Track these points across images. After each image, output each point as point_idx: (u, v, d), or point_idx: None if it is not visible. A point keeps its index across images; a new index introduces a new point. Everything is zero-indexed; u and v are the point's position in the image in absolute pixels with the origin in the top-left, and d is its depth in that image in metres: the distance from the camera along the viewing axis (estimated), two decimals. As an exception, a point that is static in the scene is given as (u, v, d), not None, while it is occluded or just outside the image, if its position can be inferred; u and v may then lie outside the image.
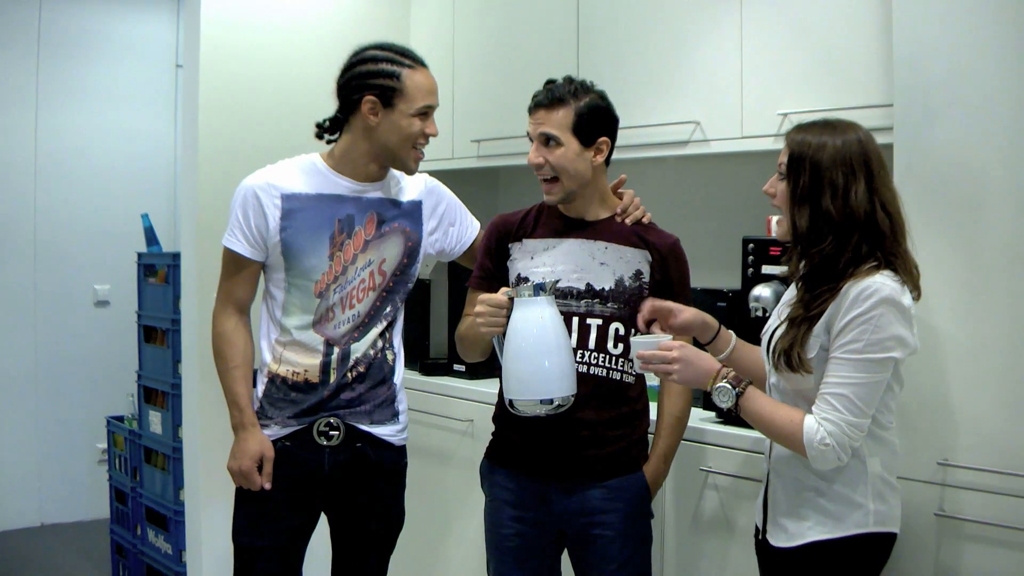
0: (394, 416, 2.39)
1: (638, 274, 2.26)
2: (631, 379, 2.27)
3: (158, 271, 3.96)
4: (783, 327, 1.90)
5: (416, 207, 2.42)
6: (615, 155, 2.67)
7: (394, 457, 2.40)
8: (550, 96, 2.22)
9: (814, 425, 1.79)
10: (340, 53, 3.66)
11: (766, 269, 2.51)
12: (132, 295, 4.18)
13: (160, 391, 3.90)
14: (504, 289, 2.18)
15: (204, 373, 3.45)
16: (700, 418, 2.56)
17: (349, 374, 2.31)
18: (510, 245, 2.37)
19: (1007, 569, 1.99)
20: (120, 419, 4.26)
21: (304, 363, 2.30)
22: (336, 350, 2.30)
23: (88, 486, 4.94)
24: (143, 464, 3.99)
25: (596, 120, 2.23)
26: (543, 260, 2.30)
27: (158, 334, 3.95)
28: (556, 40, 3.22)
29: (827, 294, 1.82)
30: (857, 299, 1.77)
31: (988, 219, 2.03)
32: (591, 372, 2.24)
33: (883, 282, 1.77)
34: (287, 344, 2.31)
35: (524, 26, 3.36)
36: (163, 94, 5.33)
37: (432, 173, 3.81)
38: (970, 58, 2.05)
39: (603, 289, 2.25)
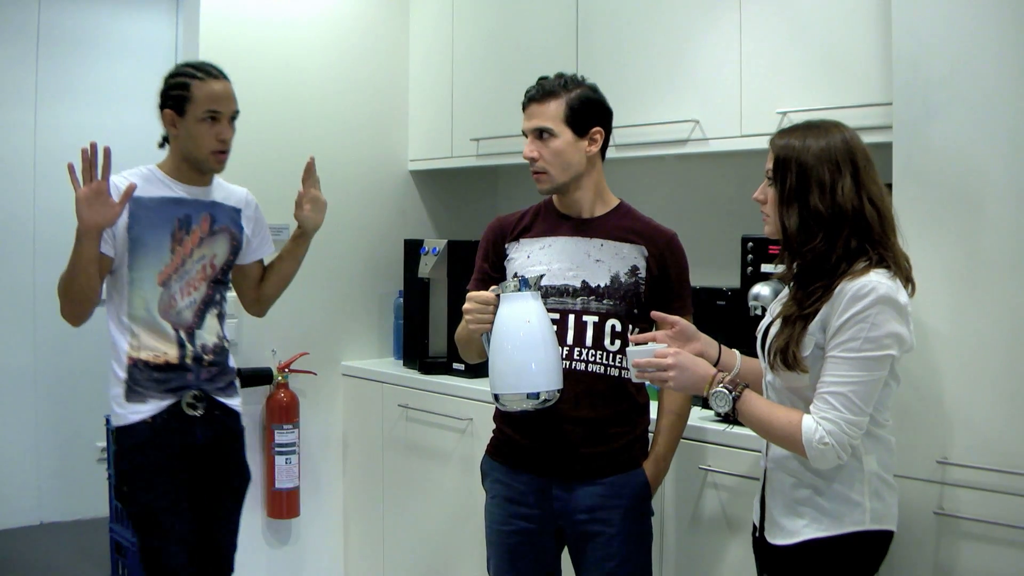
0: (235, 390, 2.72)
1: (634, 270, 2.26)
2: (629, 375, 2.26)
3: (157, 270, 3.95)
4: (777, 325, 1.91)
5: (237, 213, 2.71)
6: (615, 153, 2.67)
7: (240, 424, 2.73)
8: (541, 90, 2.25)
9: (813, 425, 1.79)
10: (339, 53, 3.70)
11: (765, 268, 2.52)
12: (131, 294, 4.17)
13: (159, 390, 3.89)
14: (493, 287, 2.19)
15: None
16: (699, 416, 2.57)
17: (205, 356, 2.60)
18: (507, 245, 2.38)
19: (1005, 567, 1.99)
20: (119, 418, 4.25)
21: (162, 347, 2.54)
22: (184, 334, 2.58)
23: (87, 484, 4.93)
24: (142, 463, 3.99)
25: (588, 110, 2.25)
26: (539, 258, 2.31)
27: (157, 333, 3.94)
28: (555, 39, 3.22)
29: (821, 291, 1.82)
30: (853, 298, 1.77)
31: (987, 218, 2.03)
32: (589, 369, 2.24)
33: (879, 280, 1.77)
34: (141, 331, 2.54)
35: (523, 25, 3.36)
36: (162, 93, 5.33)
37: (431, 172, 3.84)
38: (970, 56, 2.05)
39: (598, 286, 2.25)
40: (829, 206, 1.81)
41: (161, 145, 2.66)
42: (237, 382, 2.73)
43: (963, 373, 2.06)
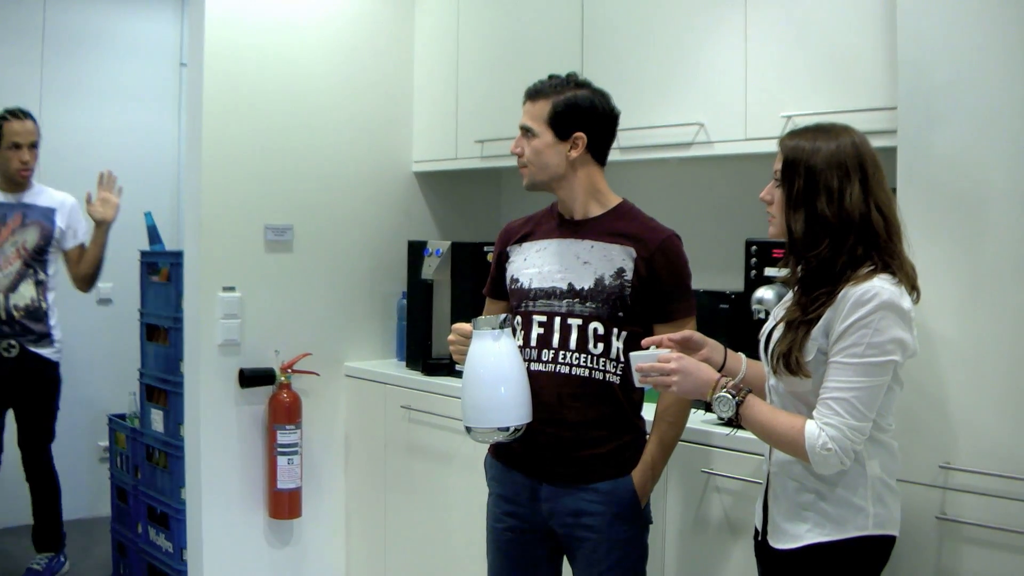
0: (51, 342, 3.93)
1: (620, 272, 2.24)
2: (615, 379, 2.25)
3: (161, 269, 3.96)
4: (780, 329, 1.90)
5: (51, 211, 3.93)
6: (619, 156, 2.67)
7: (50, 370, 3.95)
8: (532, 90, 2.30)
9: (815, 430, 1.79)
10: (344, 52, 3.71)
11: (769, 271, 2.51)
12: (135, 293, 4.18)
13: (162, 389, 3.90)
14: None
15: (206, 371, 3.45)
16: (702, 420, 2.56)
17: (16, 313, 3.80)
18: (509, 249, 2.41)
19: (1008, 572, 1.99)
20: (122, 417, 4.26)
21: None
22: (1, 297, 3.77)
23: (89, 484, 4.94)
24: (144, 462, 3.99)
25: (572, 114, 2.25)
26: (533, 262, 2.33)
27: (160, 332, 3.95)
28: (560, 41, 3.22)
29: (824, 297, 1.82)
30: (856, 303, 1.76)
31: (991, 223, 2.03)
32: (573, 372, 2.24)
33: (882, 286, 1.77)
34: None
35: (528, 27, 3.36)
36: (167, 92, 5.32)
37: (435, 173, 3.85)
38: (975, 61, 2.05)
39: (582, 289, 2.25)
40: (836, 212, 1.80)
41: None
42: (54, 335, 3.92)
43: (966, 378, 2.06)
